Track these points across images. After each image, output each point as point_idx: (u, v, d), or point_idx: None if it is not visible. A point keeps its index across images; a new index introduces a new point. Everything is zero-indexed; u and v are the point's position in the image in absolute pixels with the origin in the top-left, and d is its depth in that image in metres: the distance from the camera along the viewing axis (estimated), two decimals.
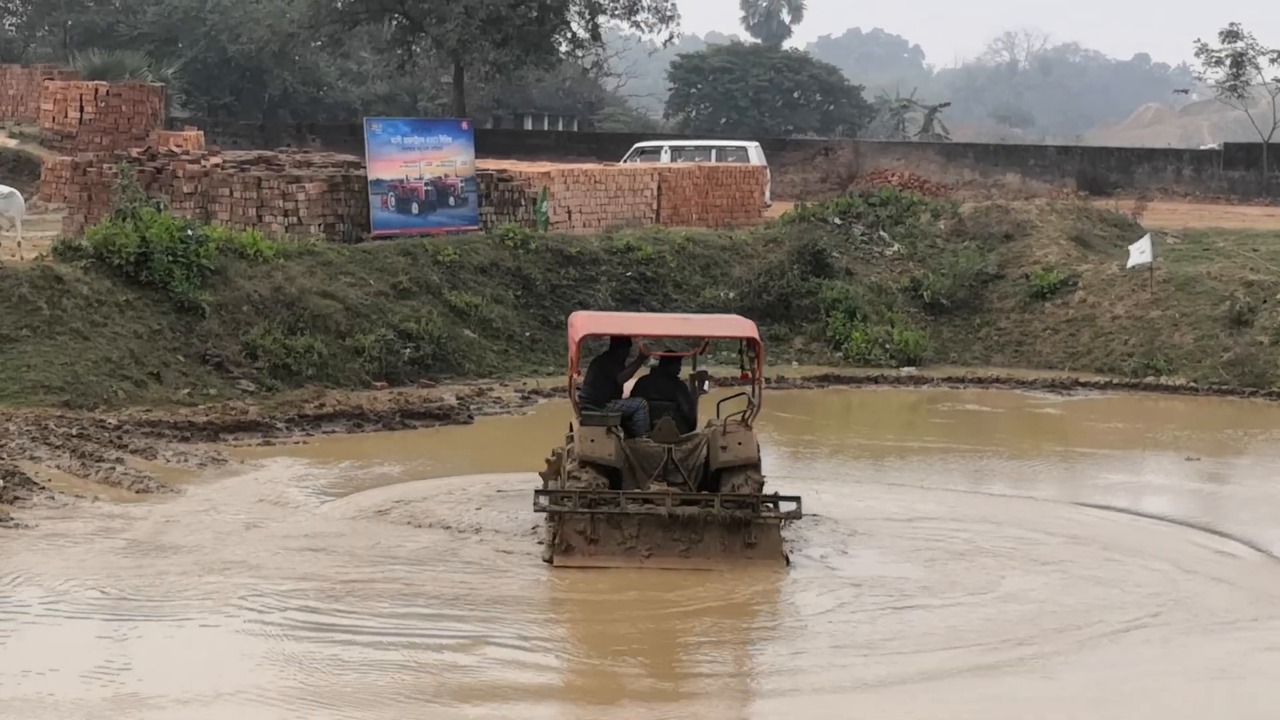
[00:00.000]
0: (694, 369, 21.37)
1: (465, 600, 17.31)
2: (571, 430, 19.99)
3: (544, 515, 19.20)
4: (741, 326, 21.08)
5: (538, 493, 18.95)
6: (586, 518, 18.49)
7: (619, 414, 19.46)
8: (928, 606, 17.74)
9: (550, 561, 18.53)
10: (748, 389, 20.29)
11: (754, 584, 18.33)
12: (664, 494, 18.77)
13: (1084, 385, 33.79)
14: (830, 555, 19.54)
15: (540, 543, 19.44)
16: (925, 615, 17.42)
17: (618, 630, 16.85)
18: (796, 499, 19.07)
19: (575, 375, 19.95)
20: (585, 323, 20.54)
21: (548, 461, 21.08)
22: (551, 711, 14.82)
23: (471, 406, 28.69)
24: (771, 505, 18.85)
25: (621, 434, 19.29)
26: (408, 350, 30.62)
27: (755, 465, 19.27)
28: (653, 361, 20.77)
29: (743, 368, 20.59)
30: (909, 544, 20.45)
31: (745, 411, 19.68)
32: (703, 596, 17.83)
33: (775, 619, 17.66)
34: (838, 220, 40.94)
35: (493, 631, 16.36)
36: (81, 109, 55.98)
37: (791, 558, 19.04)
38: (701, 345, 22.34)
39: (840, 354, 35.62)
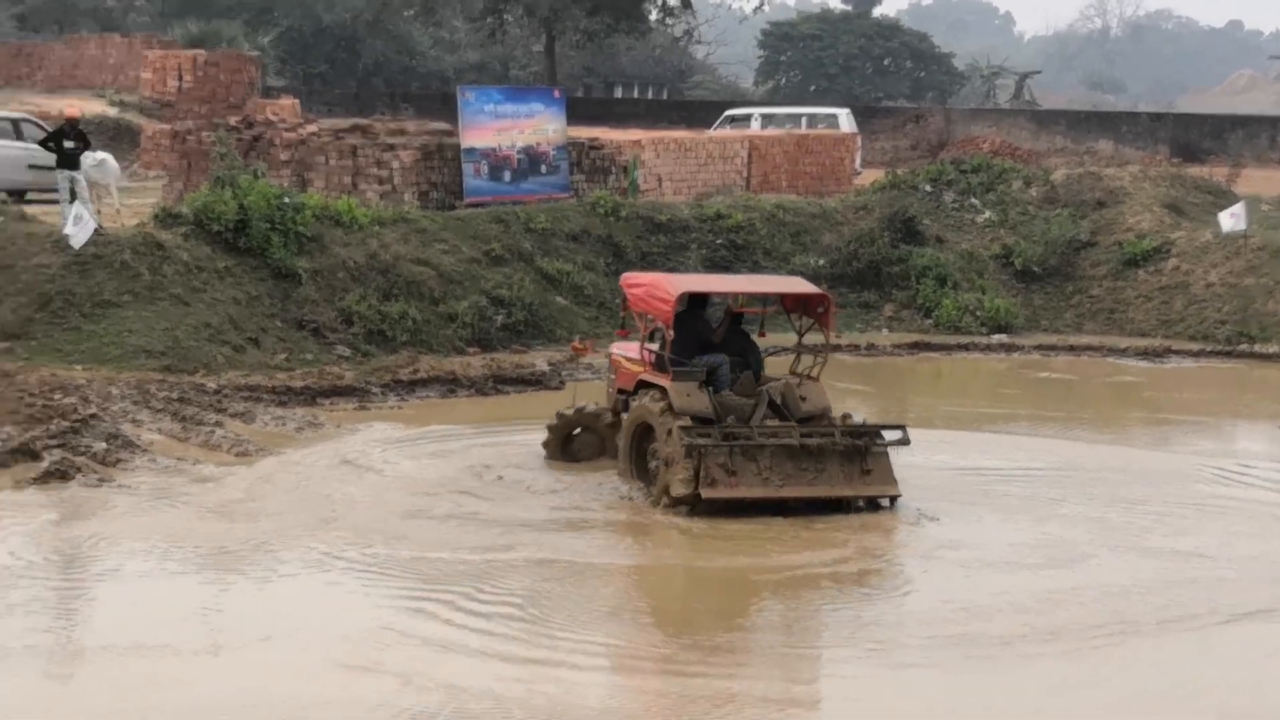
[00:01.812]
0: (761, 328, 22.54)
1: (552, 563, 17.60)
2: (631, 394, 20.97)
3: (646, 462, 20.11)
4: (810, 286, 22.00)
5: (681, 429, 19.32)
6: (725, 451, 19.22)
7: (704, 369, 20.15)
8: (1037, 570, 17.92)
9: (694, 496, 19.13)
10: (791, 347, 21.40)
11: (855, 544, 18.61)
12: (789, 427, 19.71)
13: (1176, 353, 33.65)
14: (922, 519, 19.68)
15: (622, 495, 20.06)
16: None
17: (706, 602, 17.10)
18: (902, 428, 20.30)
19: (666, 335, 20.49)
20: (676, 283, 21.05)
21: (561, 415, 21.87)
22: (616, 670, 14.97)
23: (563, 372, 28.91)
24: (881, 434, 20.08)
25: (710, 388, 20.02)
26: (500, 316, 30.91)
27: (829, 415, 20.28)
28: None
29: (797, 331, 21.43)
30: (1005, 506, 20.63)
31: (813, 365, 20.67)
32: (793, 564, 18.00)
33: (886, 582, 17.68)
34: (928, 187, 40.89)
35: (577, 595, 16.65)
36: (180, 77, 56.53)
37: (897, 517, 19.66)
38: (776, 304, 22.67)
39: (930, 321, 35.65)
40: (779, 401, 20.16)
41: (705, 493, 19.15)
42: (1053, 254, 37.67)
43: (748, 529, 18.96)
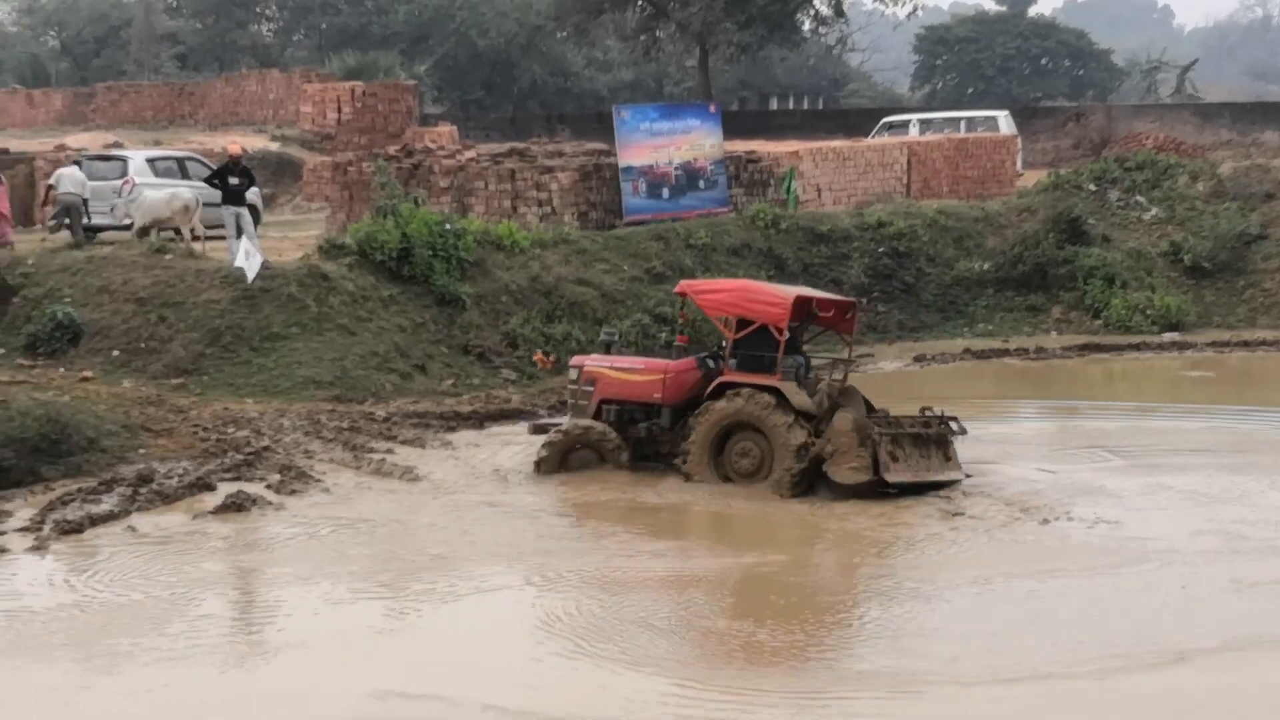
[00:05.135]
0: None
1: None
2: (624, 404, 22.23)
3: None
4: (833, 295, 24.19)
5: (867, 420, 20.68)
6: (889, 439, 20.59)
7: (795, 369, 21.50)
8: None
9: (874, 481, 20.29)
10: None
11: (1039, 546, 18.45)
12: (913, 419, 21.38)
13: None
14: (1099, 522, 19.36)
15: None
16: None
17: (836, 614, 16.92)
18: (956, 419, 21.60)
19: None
20: (778, 288, 22.94)
21: (558, 434, 22.21)
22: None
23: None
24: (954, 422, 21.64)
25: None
26: (664, 334, 30.83)
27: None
28: None
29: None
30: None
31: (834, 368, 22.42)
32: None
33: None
34: (1092, 186, 40.38)
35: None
36: (339, 110, 57.30)
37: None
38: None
39: (1099, 322, 35.17)
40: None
41: (890, 476, 20.36)
42: (1222, 249, 37.03)
43: (905, 532, 18.97)
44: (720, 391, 21.33)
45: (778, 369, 21.10)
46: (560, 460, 22.06)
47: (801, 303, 21.76)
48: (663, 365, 22.38)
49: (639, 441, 22.21)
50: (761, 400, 20.88)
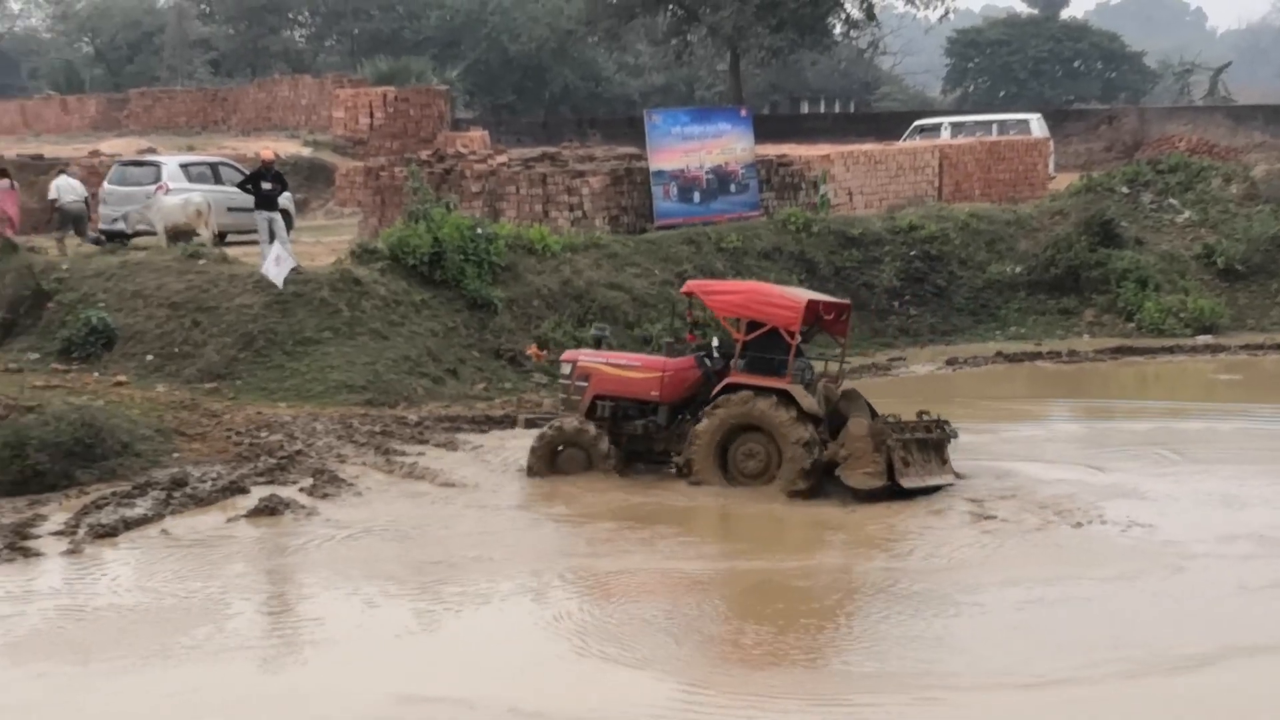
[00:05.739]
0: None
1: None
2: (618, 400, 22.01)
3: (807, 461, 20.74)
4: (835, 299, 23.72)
5: (883, 426, 20.61)
6: (901, 444, 20.60)
7: (802, 372, 21.47)
8: None
9: (887, 486, 20.34)
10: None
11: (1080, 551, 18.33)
12: (916, 424, 21.13)
13: None
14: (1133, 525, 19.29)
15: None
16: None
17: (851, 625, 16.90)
18: (949, 422, 21.60)
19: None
20: (790, 291, 22.89)
21: (543, 435, 22.00)
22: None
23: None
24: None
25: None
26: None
27: None
28: None
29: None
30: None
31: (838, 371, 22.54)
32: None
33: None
34: (1125, 189, 40.26)
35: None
36: (371, 115, 57.39)
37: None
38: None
39: (1133, 325, 35.06)
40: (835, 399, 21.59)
41: (905, 482, 20.39)
42: (1256, 251, 36.93)
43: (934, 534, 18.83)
44: (727, 393, 21.20)
45: (788, 372, 21.00)
46: (549, 462, 21.93)
47: (812, 306, 21.71)
48: (660, 363, 22.24)
49: (633, 439, 22.07)
50: (742, 396, 20.85)
